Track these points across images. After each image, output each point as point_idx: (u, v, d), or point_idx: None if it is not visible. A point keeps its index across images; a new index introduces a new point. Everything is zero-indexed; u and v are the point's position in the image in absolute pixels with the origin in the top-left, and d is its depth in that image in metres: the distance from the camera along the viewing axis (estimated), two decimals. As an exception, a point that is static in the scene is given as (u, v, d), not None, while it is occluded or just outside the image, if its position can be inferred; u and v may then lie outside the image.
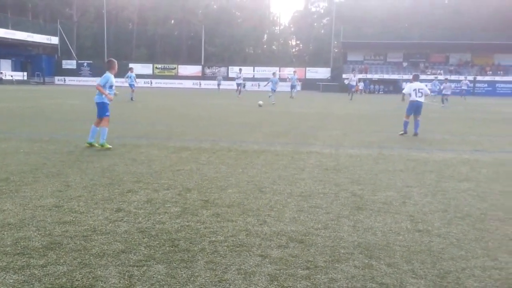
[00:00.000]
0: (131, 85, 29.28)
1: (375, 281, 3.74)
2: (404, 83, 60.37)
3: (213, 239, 4.61)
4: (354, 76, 38.26)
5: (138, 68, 68.58)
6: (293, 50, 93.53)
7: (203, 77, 68.39)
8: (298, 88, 50.98)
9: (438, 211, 5.77)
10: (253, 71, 66.73)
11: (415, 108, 13.61)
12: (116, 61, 10.31)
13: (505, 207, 6.02)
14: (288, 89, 41.64)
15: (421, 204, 6.07)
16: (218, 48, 78.31)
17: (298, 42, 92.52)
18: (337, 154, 9.96)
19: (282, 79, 44.11)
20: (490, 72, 60.35)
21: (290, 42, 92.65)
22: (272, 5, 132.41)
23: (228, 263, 4.03)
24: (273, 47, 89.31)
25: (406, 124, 13.57)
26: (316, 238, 4.70)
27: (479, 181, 7.58)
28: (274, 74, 32.43)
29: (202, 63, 72.47)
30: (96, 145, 9.88)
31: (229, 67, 68.75)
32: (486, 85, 56.79)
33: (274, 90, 29.74)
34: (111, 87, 9.98)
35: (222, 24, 79.45)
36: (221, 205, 5.80)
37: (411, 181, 7.48)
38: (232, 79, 63.97)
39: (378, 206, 5.94)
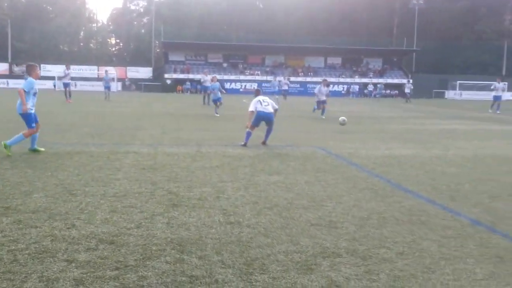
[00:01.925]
0: None
1: (185, 275, 3.75)
2: (225, 83, 62.84)
3: (13, 247, 4.19)
4: (206, 76, 31.02)
5: None
6: (113, 48, 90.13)
7: (11, 75, 61.68)
8: (113, 89, 49.15)
9: (249, 203, 6.02)
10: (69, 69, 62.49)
11: (261, 119, 11.68)
12: (37, 65, 9.47)
13: (308, 196, 6.54)
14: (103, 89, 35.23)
15: (234, 198, 6.27)
16: (28, 44, 71.40)
17: (118, 40, 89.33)
18: (155, 153, 9.81)
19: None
20: (302, 74, 66.01)
21: (109, 40, 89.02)
22: (88, 1, 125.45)
23: (29, 271, 3.70)
24: (91, 45, 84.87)
25: (248, 134, 11.62)
26: (128, 238, 4.53)
27: (288, 174, 8.13)
28: (213, 78, 23.98)
29: (10, 60, 65.38)
30: (41, 149, 9.53)
31: (42, 65, 63.27)
32: (298, 85, 61.83)
33: (218, 98, 21.83)
34: (34, 94, 9.33)
35: (31, 19, 72.67)
36: (25, 211, 5.27)
37: (226, 176, 7.70)
38: (48, 78, 58.97)
39: (193, 202, 5.97)
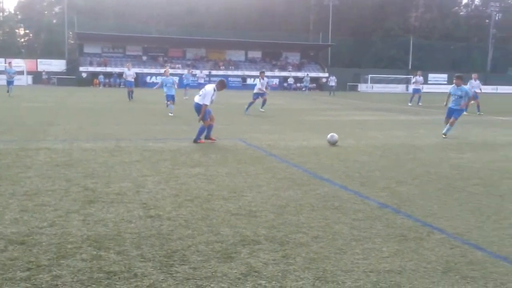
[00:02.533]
0: None
1: (102, 271, 3.68)
2: (149, 77, 61.27)
3: None
4: (129, 70, 27.77)
5: None
6: (22, 39, 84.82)
7: None
8: (23, 82, 46.26)
9: (170, 196, 6.01)
10: (-28, 61, 58.06)
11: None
12: None
13: (229, 187, 6.63)
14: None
15: (154, 192, 6.22)
16: None
17: (27, 31, 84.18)
18: (70, 149, 9.45)
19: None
20: (223, 67, 65.99)
21: (17, 30, 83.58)
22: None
23: None
24: (-3, 35, 79.34)
25: (203, 129, 11.24)
26: (41, 237, 4.37)
27: (209, 166, 8.18)
28: (166, 71, 19.88)
29: None
30: None
31: None
32: (220, 79, 61.84)
33: (172, 96, 18.46)
34: None
35: None
36: None
37: (147, 170, 7.61)
38: None
39: (112, 197, 5.86)
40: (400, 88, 68.59)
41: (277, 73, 66.44)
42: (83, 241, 4.30)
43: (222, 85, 11.24)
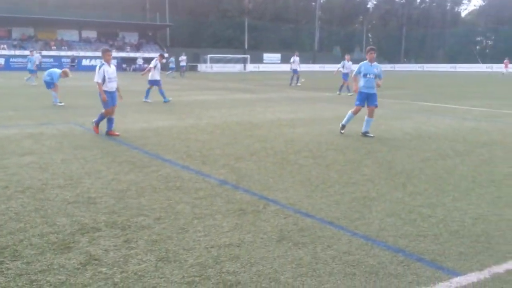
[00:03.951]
0: None
1: None
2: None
3: None
4: None
5: None
6: None
7: None
8: None
9: (-3, 189, 5.51)
10: None
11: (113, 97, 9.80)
12: None
13: (65, 174, 6.30)
14: None
15: (-23, 185, 5.64)
16: None
17: None
18: None
19: None
20: (55, 47, 61.19)
21: None
22: None
23: None
24: None
25: (102, 117, 9.86)
26: None
27: (42, 153, 7.66)
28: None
29: None
30: None
31: None
32: (52, 59, 57.17)
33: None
34: None
35: None
36: None
37: (-34, 162, 6.85)
38: None
39: None
40: (238, 67, 70.97)
41: (114, 53, 63.80)
42: None
43: (103, 53, 9.72)
